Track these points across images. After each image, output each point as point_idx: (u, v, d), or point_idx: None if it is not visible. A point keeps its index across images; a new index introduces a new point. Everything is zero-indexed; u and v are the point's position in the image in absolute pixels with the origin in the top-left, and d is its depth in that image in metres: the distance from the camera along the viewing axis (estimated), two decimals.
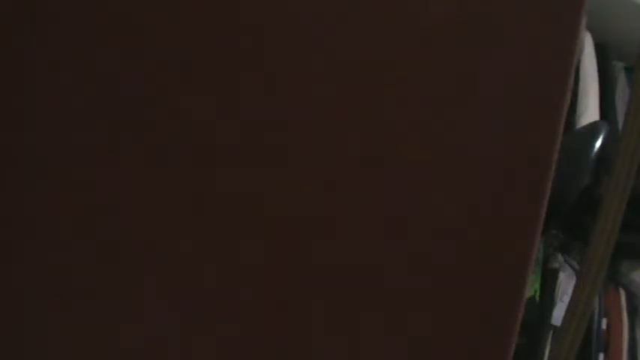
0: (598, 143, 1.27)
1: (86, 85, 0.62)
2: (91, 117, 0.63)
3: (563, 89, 0.61)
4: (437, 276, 0.62)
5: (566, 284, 1.42)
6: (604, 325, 1.45)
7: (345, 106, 0.62)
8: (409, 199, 0.62)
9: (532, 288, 1.39)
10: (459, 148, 0.62)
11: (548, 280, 1.42)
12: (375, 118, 0.62)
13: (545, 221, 0.63)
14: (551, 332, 1.38)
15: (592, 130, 1.33)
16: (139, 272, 0.63)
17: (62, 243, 0.63)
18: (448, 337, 0.63)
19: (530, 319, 1.36)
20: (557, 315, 1.38)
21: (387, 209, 0.62)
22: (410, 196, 0.62)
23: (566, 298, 1.31)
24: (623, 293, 1.50)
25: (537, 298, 1.40)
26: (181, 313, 0.63)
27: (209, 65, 0.62)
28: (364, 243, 0.62)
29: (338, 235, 0.62)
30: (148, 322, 0.64)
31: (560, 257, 1.46)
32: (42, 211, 0.63)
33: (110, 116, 0.63)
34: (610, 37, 1.68)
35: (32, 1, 0.62)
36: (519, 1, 0.61)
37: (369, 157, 0.62)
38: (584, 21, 0.62)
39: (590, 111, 1.57)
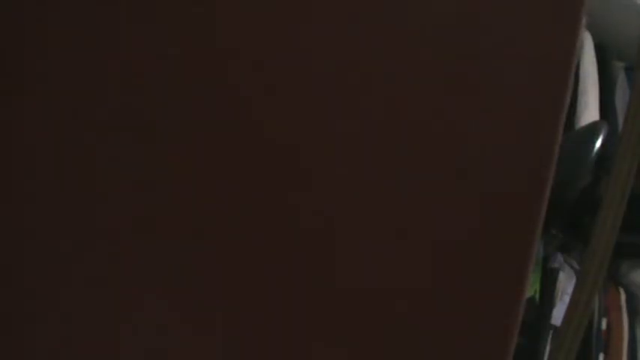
0: (598, 143, 1.27)
1: (86, 84, 0.63)
2: (92, 117, 0.63)
3: (563, 89, 0.61)
4: (436, 276, 0.62)
5: (566, 284, 1.42)
6: (604, 325, 1.45)
7: (345, 105, 0.62)
8: (409, 200, 0.62)
9: (532, 288, 1.39)
10: (458, 147, 0.62)
11: (548, 280, 1.42)
12: (375, 119, 0.62)
13: (545, 221, 0.63)
14: (551, 332, 1.38)
15: (592, 130, 1.33)
16: (139, 272, 0.63)
17: (62, 243, 0.63)
18: (448, 337, 0.63)
19: (530, 319, 1.36)
20: (557, 315, 1.38)
21: (387, 208, 0.62)
22: (409, 196, 0.62)
23: (566, 298, 1.31)
24: (623, 293, 1.50)
25: (537, 298, 1.40)
26: (181, 315, 0.64)
27: (209, 64, 0.62)
28: (363, 241, 0.62)
29: (336, 235, 0.62)
30: (147, 323, 0.64)
31: (560, 257, 1.46)
32: (41, 211, 0.63)
33: (111, 117, 0.63)
34: (610, 37, 1.68)
35: (32, 1, 0.62)
36: (519, 2, 0.61)
37: (371, 157, 0.62)
38: (584, 21, 0.62)
39: (590, 111, 1.57)
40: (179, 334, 0.64)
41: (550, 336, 1.37)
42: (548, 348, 1.37)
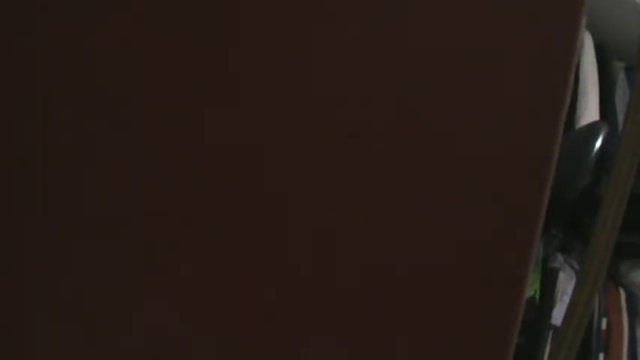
0: (598, 143, 1.27)
1: (85, 84, 0.63)
2: (94, 117, 0.63)
3: (563, 89, 0.61)
4: (436, 275, 0.62)
5: (566, 284, 1.42)
6: (604, 325, 1.45)
7: (346, 106, 0.62)
8: (407, 200, 0.62)
9: (532, 288, 1.39)
10: (459, 148, 0.62)
11: (548, 280, 1.42)
12: (376, 120, 0.62)
13: (545, 221, 0.63)
14: (551, 332, 1.38)
15: (592, 130, 1.34)
16: (138, 272, 0.63)
17: (62, 243, 0.63)
18: (448, 337, 0.63)
19: (530, 319, 1.36)
20: (557, 315, 1.38)
21: (388, 209, 0.62)
22: (408, 196, 0.62)
23: (566, 298, 1.31)
24: (623, 293, 1.50)
25: (537, 298, 1.40)
26: (181, 314, 0.64)
27: (207, 64, 0.62)
28: (363, 242, 0.62)
29: (336, 234, 0.62)
30: (147, 323, 0.64)
31: (560, 257, 1.46)
32: (42, 211, 0.63)
33: (112, 116, 0.63)
34: (610, 37, 1.68)
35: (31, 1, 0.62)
36: (519, 1, 0.61)
37: (370, 158, 0.62)
38: (584, 21, 0.62)
39: (590, 111, 1.57)
40: (178, 332, 0.64)
41: (550, 336, 1.37)
42: (548, 348, 1.37)
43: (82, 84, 0.62)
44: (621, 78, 1.68)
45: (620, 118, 1.61)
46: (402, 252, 0.62)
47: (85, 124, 0.63)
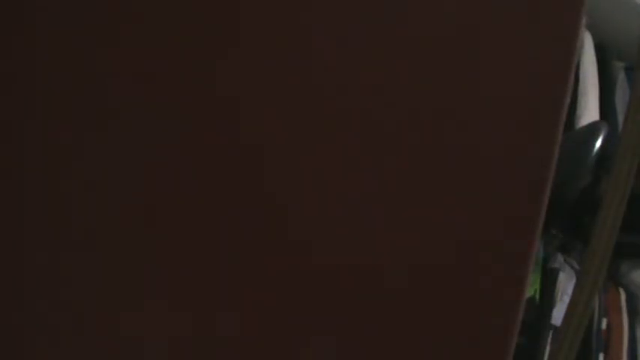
0: (598, 143, 1.27)
1: (85, 84, 0.63)
2: (94, 117, 0.63)
3: (563, 89, 0.61)
4: (436, 275, 0.62)
5: (566, 284, 1.42)
6: (604, 325, 1.45)
7: (346, 105, 0.62)
8: (408, 199, 0.62)
9: (532, 288, 1.39)
10: (458, 148, 0.62)
11: (548, 280, 1.42)
12: (376, 120, 0.62)
13: (545, 221, 0.63)
14: (551, 332, 1.38)
15: (592, 130, 1.34)
16: (138, 272, 0.63)
17: (62, 243, 0.63)
18: (448, 337, 0.63)
19: (530, 319, 1.36)
20: (557, 315, 1.38)
21: (387, 209, 0.62)
22: (410, 196, 0.62)
23: (566, 298, 1.31)
24: (623, 293, 1.50)
25: (537, 298, 1.40)
26: (181, 314, 0.64)
27: (207, 64, 0.62)
28: (363, 242, 0.62)
29: (337, 235, 0.62)
30: (147, 323, 0.64)
31: (560, 257, 1.46)
32: (42, 211, 0.63)
33: (112, 116, 0.63)
34: (610, 37, 1.68)
35: (31, 1, 0.62)
36: (520, 2, 0.61)
37: (370, 158, 0.62)
38: (584, 21, 0.62)
39: (590, 111, 1.57)
40: (178, 332, 0.64)
41: (550, 336, 1.37)
42: (548, 348, 1.37)
43: (82, 84, 0.62)
44: (621, 78, 1.68)
45: (620, 118, 1.61)
46: (402, 252, 0.62)
47: (85, 124, 0.63)
